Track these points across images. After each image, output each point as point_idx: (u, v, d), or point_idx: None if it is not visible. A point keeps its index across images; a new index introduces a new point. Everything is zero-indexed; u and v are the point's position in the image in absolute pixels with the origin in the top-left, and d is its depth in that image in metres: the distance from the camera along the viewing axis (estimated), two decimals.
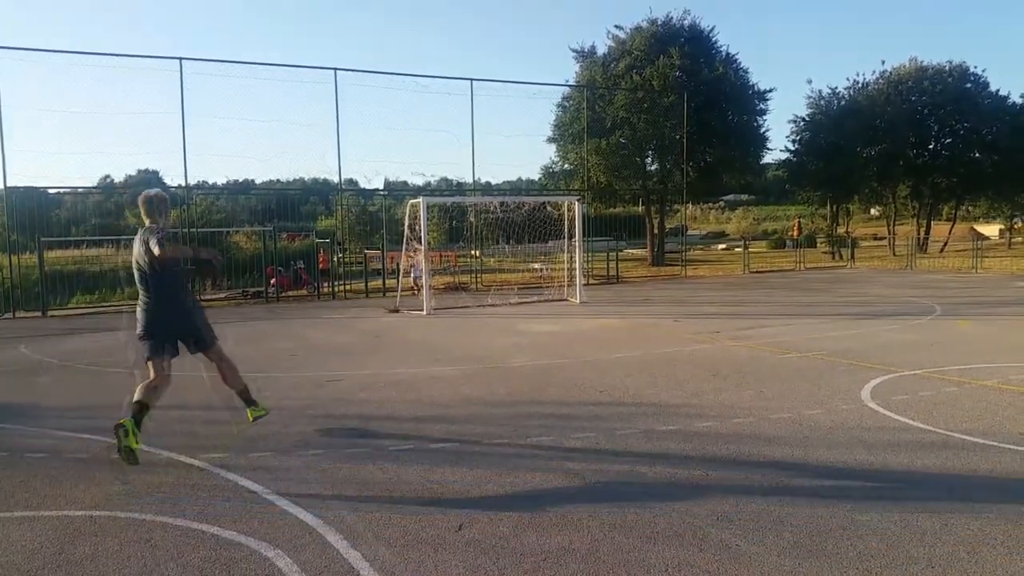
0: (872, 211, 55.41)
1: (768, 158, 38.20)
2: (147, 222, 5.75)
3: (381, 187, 28.41)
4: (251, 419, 6.34)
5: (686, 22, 33.08)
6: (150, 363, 5.75)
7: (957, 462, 5.23)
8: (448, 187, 31.74)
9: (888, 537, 3.99)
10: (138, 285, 5.85)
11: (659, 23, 32.90)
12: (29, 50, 18.64)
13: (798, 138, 38.29)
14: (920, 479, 4.91)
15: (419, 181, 31.59)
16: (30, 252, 19.65)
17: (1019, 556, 3.74)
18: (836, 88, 38.47)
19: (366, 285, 22.08)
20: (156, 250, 5.41)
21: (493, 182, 32.34)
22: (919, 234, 37.22)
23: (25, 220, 20.02)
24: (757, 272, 28.08)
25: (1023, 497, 4.56)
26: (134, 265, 5.78)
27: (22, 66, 24.78)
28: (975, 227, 47.77)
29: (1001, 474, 4.98)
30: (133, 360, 5.95)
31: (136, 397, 5.52)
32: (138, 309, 5.90)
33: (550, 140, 33.54)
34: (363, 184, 29.86)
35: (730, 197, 70.95)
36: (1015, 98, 37.83)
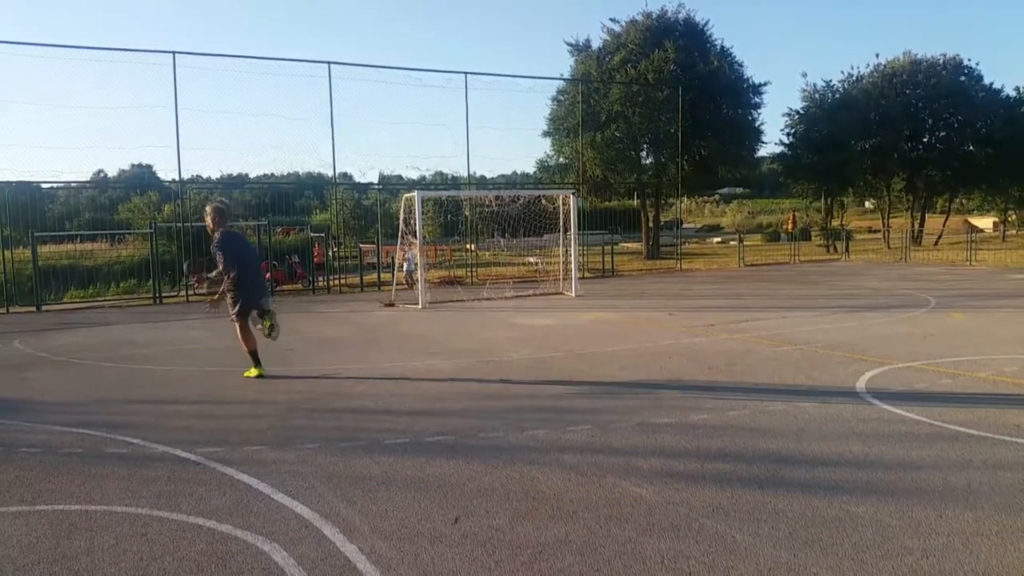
0: (866, 204, 55.64)
1: (763, 151, 38.44)
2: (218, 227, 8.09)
3: (376, 181, 28.38)
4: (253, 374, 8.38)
5: (681, 16, 33.13)
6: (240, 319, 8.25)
7: (951, 453, 5.25)
8: (443, 181, 31.71)
9: (883, 528, 4.01)
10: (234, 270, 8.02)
11: (654, 17, 32.90)
12: (21, 44, 18.55)
13: (793, 131, 38.35)
14: (915, 470, 4.92)
15: (414, 175, 31.66)
16: (23, 247, 19.58)
17: (1013, 547, 3.76)
18: (831, 81, 38.56)
19: (361, 279, 22.07)
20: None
21: (488, 176, 32.32)
22: (913, 227, 37.32)
23: (18, 215, 19.94)
24: (752, 265, 28.14)
25: (1017, 488, 4.58)
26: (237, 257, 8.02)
27: (13, 60, 24.65)
28: (969, 220, 47.96)
29: (995, 465, 5.00)
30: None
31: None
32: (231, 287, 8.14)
33: (545, 134, 33.56)
34: (357, 178, 29.68)
35: (725, 191, 71.07)
36: (1009, 91, 38.03)
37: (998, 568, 3.54)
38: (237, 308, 8.19)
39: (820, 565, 3.60)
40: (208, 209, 8.29)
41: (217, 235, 8.07)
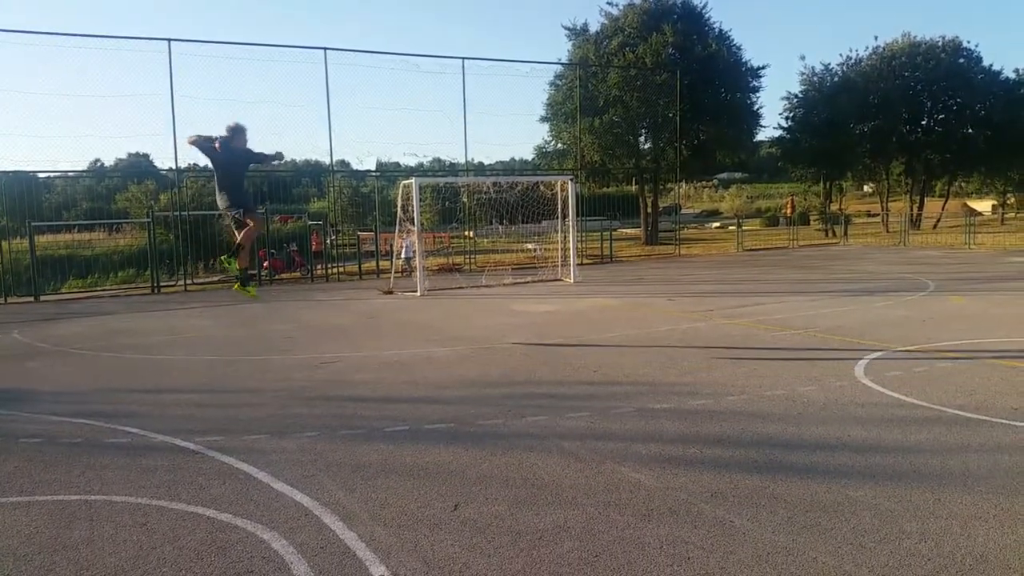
0: (865, 188, 55.51)
1: (761, 135, 38.26)
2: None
3: (373, 168, 28.29)
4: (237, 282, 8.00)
5: None
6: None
7: (950, 437, 5.27)
8: (441, 167, 31.62)
9: (882, 512, 4.02)
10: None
11: (652, 0, 32.65)
12: (15, 31, 18.41)
13: (791, 115, 38.19)
14: (913, 454, 4.93)
15: (411, 162, 31.42)
16: (20, 237, 19.52)
17: (1011, 530, 3.77)
18: (829, 64, 38.38)
19: (360, 267, 22.04)
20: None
21: (486, 162, 32.27)
22: (912, 210, 37.25)
23: (15, 205, 19.87)
24: (751, 250, 28.11)
25: (1015, 471, 4.59)
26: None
27: (8, 49, 24.44)
28: (968, 203, 47.88)
29: (993, 448, 5.01)
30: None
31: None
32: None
33: (543, 119, 33.43)
34: (355, 165, 29.69)
35: (723, 175, 70.80)
36: (1008, 73, 37.85)
37: (996, 551, 3.56)
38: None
39: (819, 549, 3.61)
40: (242, 125, 7.54)
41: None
